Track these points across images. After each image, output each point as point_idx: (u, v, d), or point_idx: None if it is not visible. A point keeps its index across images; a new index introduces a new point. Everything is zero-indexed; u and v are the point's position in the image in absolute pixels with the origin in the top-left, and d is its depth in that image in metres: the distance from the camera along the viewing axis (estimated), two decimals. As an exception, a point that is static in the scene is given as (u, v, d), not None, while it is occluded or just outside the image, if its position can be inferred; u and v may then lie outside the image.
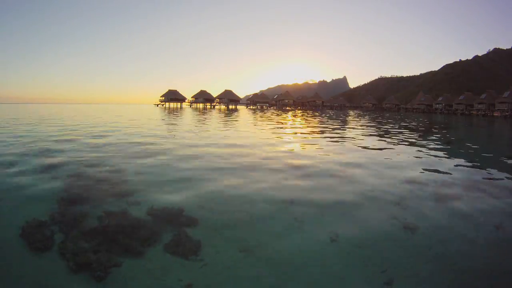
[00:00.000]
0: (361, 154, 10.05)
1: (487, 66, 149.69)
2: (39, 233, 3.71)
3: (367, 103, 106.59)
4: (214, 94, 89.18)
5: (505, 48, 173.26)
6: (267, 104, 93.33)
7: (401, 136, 16.33)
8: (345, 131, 18.98)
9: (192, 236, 3.79)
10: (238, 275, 3.14)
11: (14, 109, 61.94)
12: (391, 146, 12.25)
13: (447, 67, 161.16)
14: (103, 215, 4.27)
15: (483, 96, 72.84)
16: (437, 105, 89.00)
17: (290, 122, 27.73)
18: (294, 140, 14.17)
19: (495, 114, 62.47)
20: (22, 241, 3.60)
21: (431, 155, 10.02)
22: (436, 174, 7.30)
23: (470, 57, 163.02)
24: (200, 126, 20.61)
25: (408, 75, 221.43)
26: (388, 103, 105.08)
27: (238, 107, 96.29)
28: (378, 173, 7.13)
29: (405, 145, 12.77)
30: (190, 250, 3.50)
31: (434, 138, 16.87)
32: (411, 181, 6.45)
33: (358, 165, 7.98)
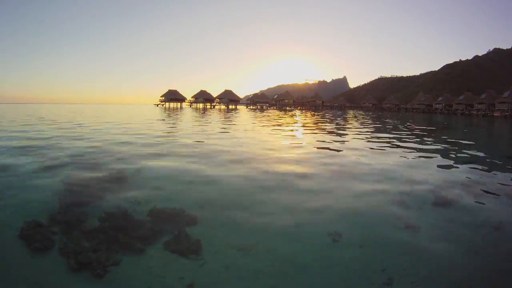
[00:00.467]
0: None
1: (487, 66, 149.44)
2: (39, 233, 3.70)
3: (367, 103, 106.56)
4: (214, 94, 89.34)
5: (505, 48, 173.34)
6: (267, 104, 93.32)
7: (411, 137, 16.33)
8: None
9: (192, 234, 3.79)
10: (238, 275, 3.14)
11: (14, 109, 61.91)
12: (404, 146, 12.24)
13: (447, 67, 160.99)
14: (103, 215, 4.27)
15: (483, 96, 72.83)
16: (437, 105, 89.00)
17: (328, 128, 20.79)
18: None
19: (495, 114, 62.43)
20: (22, 242, 3.59)
21: (431, 156, 10.03)
22: (440, 174, 7.31)
23: (470, 57, 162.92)
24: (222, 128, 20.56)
25: (408, 75, 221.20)
26: (388, 103, 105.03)
27: (238, 107, 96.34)
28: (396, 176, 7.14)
29: (405, 146, 12.78)
30: (189, 249, 3.50)
31: (436, 139, 16.86)
32: (412, 182, 6.46)
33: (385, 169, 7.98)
